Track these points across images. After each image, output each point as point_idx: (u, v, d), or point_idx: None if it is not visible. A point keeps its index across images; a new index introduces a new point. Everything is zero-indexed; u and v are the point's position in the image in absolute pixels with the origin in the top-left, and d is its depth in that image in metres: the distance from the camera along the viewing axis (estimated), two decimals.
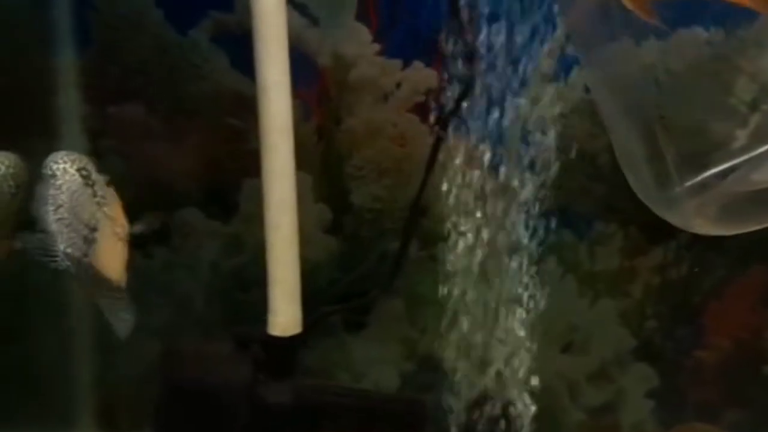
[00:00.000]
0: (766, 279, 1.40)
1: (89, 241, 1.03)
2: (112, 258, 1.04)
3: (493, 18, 1.24)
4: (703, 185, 0.91)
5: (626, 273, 1.42)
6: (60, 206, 1.01)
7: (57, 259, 1.02)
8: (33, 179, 1.03)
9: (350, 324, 1.46)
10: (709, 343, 1.43)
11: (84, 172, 1.01)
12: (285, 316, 1.22)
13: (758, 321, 1.41)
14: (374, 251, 1.44)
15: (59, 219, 1.01)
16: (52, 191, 1.00)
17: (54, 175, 1.00)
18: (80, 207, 1.02)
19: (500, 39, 1.25)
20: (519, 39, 1.24)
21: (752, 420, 1.43)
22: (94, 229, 1.03)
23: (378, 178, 1.42)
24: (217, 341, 1.31)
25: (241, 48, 1.21)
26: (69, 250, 1.01)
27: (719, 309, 1.42)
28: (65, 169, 1.01)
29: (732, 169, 0.90)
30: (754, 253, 1.39)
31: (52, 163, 1.01)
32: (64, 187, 1.01)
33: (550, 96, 1.30)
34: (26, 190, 1.05)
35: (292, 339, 1.24)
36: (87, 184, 1.02)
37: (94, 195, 1.03)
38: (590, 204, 1.41)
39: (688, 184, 0.90)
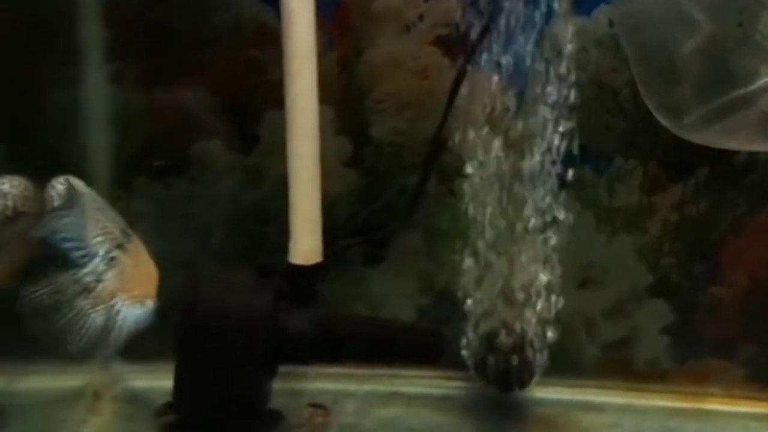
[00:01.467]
0: None
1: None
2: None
3: None
4: (731, 106, 0.89)
5: (645, 209, 1.40)
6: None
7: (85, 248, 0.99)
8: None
9: (368, 257, 1.45)
10: (726, 280, 1.41)
11: None
12: (306, 244, 1.21)
13: None
14: (394, 185, 1.42)
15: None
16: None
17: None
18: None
19: None
20: None
21: (766, 356, 1.43)
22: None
23: (399, 112, 1.40)
24: (239, 271, 1.31)
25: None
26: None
27: (737, 246, 1.40)
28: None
29: (759, 93, 0.89)
30: None
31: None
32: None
33: (574, 30, 1.28)
34: (31, 221, 1.02)
35: (312, 268, 1.24)
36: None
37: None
38: (611, 140, 1.38)
39: (714, 105, 0.88)
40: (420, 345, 1.29)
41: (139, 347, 1.41)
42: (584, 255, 1.42)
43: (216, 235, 1.44)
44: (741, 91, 0.89)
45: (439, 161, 1.37)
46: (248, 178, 1.43)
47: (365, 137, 1.42)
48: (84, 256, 1.00)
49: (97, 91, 1.38)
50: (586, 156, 1.37)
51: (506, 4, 1.25)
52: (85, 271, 1.00)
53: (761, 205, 1.38)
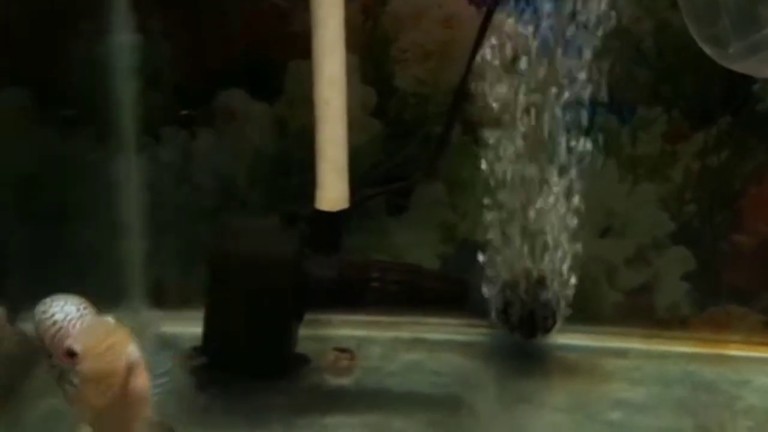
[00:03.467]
0: None
1: None
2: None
3: None
4: None
5: (667, 158, 1.38)
6: None
7: None
8: None
9: (391, 207, 1.44)
10: (747, 228, 1.39)
11: None
12: (333, 191, 1.20)
13: None
14: (417, 135, 1.40)
15: None
16: None
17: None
18: None
19: None
20: None
21: None
22: None
23: (423, 61, 1.38)
24: (266, 218, 1.29)
25: None
26: None
27: (759, 194, 1.38)
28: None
29: None
30: None
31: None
32: None
33: None
34: None
35: (339, 214, 1.22)
36: None
37: None
38: (634, 89, 1.36)
39: (758, 36, 0.86)
40: (444, 292, 1.28)
41: (167, 294, 1.42)
42: (607, 203, 1.40)
43: (241, 185, 1.43)
44: None
45: (462, 111, 1.35)
46: (273, 128, 1.41)
47: (390, 87, 1.39)
48: None
49: (123, 40, 1.36)
50: (610, 105, 1.35)
51: None
52: None
53: None
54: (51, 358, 0.87)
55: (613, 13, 1.29)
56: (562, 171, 1.34)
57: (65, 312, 0.86)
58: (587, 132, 1.34)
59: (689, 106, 1.37)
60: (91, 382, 0.83)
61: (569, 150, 1.34)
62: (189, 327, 1.28)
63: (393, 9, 1.36)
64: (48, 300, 0.88)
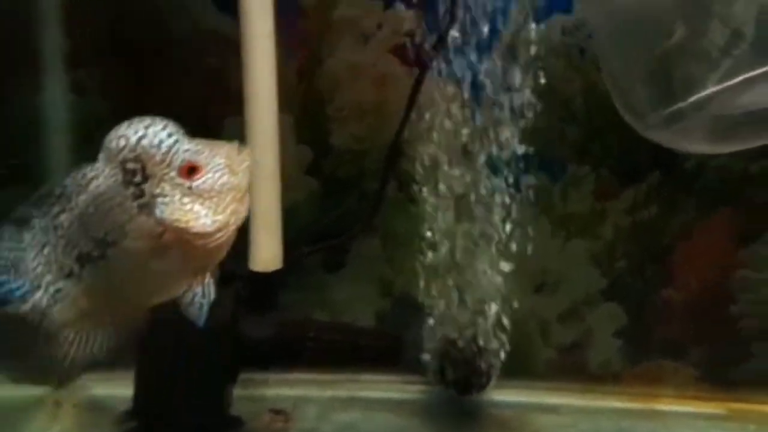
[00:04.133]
0: (733, 219, 1.38)
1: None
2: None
3: None
4: (692, 108, 0.88)
5: (598, 214, 1.40)
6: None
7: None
8: None
9: (329, 263, 1.43)
10: (677, 283, 1.41)
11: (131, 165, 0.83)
12: (266, 251, 1.19)
13: (725, 261, 1.39)
14: (354, 192, 1.40)
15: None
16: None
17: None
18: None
19: None
20: None
21: (718, 358, 1.42)
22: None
23: (358, 120, 1.38)
24: None
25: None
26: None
27: (688, 249, 1.40)
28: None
29: (718, 94, 0.88)
30: (723, 194, 1.37)
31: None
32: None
33: (529, 38, 1.27)
34: None
35: (273, 274, 1.21)
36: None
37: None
38: (565, 147, 1.37)
39: (677, 107, 0.87)
40: (379, 349, 1.27)
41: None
42: (540, 260, 1.41)
43: None
44: (696, 96, 0.89)
45: (397, 168, 1.35)
46: None
47: (325, 145, 1.39)
48: (22, 292, 0.87)
49: (57, 98, 1.35)
50: (541, 163, 1.36)
51: (462, 14, 1.24)
52: (25, 308, 0.86)
53: (709, 210, 1.38)
54: (140, 185, 0.82)
55: (542, 74, 1.31)
56: (496, 228, 1.35)
57: (168, 132, 0.82)
58: (519, 190, 1.35)
59: (618, 164, 1.39)
60: (206, 199, 0.80)
61: (502, 207, 1.35)
62: (121, 389, 1.24)
63: (328, 70, 1.37)
64: (137, 125, 0.83)
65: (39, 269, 0.86)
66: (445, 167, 1.33)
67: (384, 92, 1.37)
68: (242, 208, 0.83)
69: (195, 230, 0.81)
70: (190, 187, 0.81)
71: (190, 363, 1.20)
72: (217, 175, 0.81)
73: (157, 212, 0.81)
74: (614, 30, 0.92)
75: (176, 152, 0.81)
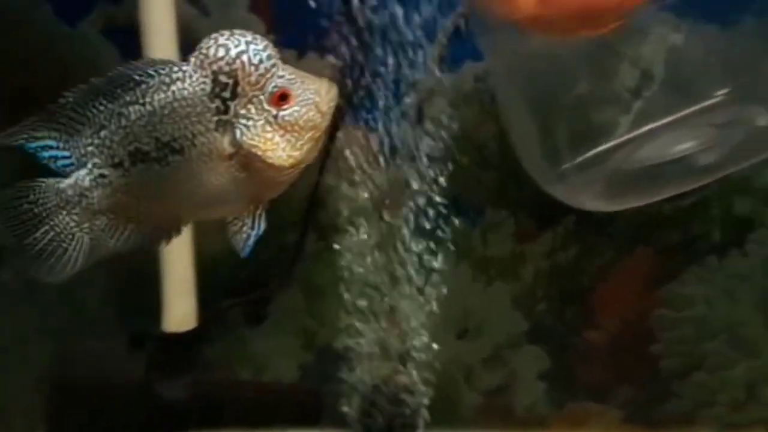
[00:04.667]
0: (650, 261, 1.39)
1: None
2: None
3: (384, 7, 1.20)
4: (589, 162, 0.88)
5: (518, 258, 1.39)
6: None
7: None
8: None
9: (250, 317, 1.40)
10: (598, 324, 1.41)
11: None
12: (179, 311, 1.15)
13: (644, 301, 1.39)
14: (273, 243, 1.37)
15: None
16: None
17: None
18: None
19: (394, 30, 1.21)
20: (413, 29, 1.20)
21: (641, 398, 1.42)
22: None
23: None
24: (112, 339, 1.23)
25: (130, 40, 1.14)
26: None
27: (607, 291, 1.40)
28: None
29: (616, 149, 0.88)
30: (638, 235, 1.38)
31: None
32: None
33: (442, 85, 1.26)
34: None
35: (187, 334, 1.17)
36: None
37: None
38: (482, 192, 1.37)
39: (576, 161, 0.87)
40: (299, 406, 1.24)
41: (11, 422, 1.33)
42: (462, 305, 1.40)
43: (91, 303, 1.36)
44: (596, 149, 0.88)
45: (316, 218, 1.33)
46: None
47: None
48: (66, 164, 0.81)
49: None
50: (460, 208, 1.35)
51: (376, 62, 1.23)
52: (67, 182, 0.81)
53: (625, 251, 1.38)
54: (226, 100, 0.77)
55: (456, 120, 1.30)
56: (417, 275, 1.33)
57: (268, 54, 0.77)
58: (439, 235, 1.34)
59: (535, 208, 1.39)
60: (288, 132, 0.77)
61: (422, 253, 1.33)
62: None
63: None
64: (239, 38, 0.77)
65: (89, 149, 0.81)
66: (363, 216, 1.32)
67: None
68: (316, 148, 0.80)
69: (270, 161, 0.78)
70: (275, 116, 0.78)
71: (105, 428, 1.16)
72: (304, 109, 0.78)
73: (237, 133, 0.78)
74: (514, 85, 0.91)
75: (271, 76, 0.77)
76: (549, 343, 1.42)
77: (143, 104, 0.79)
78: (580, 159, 0.87)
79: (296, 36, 1.29)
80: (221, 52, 0.77)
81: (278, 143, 0.78)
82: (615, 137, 0.91)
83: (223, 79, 0.77)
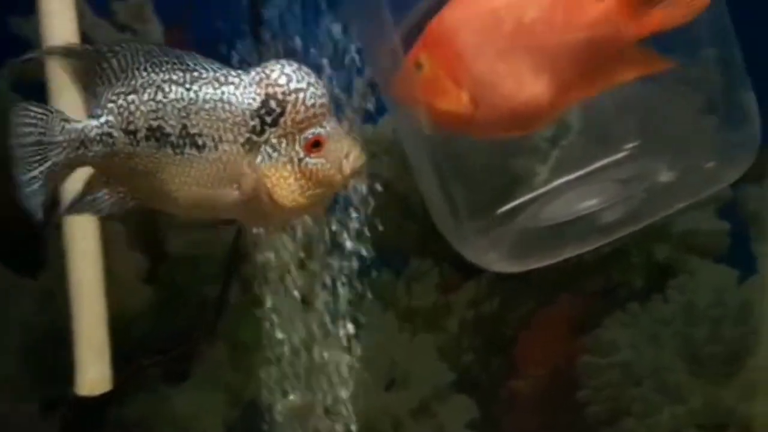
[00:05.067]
0: (572, 308, 1.39)
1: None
2: None
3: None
4: (494, 222, 0.87)
5: (442, 308, 1.38)
6: None
7: None
8: None
9: (172, 375, 1.36)
10: (524, 372, 1.40)
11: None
12: (92, 374, 1.10)
13: (568, 348, 1.39)
14: (194, 298, 1.34)
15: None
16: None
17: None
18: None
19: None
20: (331, 79, 1.19)
21: None
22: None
23: (194, 225, 1.33)
24: (25, 404, 1.19)
25: (42, 94, 1.11)
26: None
27: (531, 339, 1.39)
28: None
29: (523, 207, 0.87)
30: (561, 283, 1.37)
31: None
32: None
33: (363, 136, 1.25)
34: None
35: (102, 396, 1.13)
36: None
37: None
38: (406, 242, 1.36)
39: (479, 221, 0.86)
40: None
41: None
42: (389, 356, 1.38)
43: (4, 367, 1.31)
44: (504, 208, 0.88)
45: (239, 272, 1.30)
46: (38, 302, 1.31)
47: (162, 252, 1.33)
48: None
49: None
50: (384, 258, 1.34)
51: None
52: (74, 125, 0.80)
53: (548, 299, 1.38)
54: (266, 125, 0.77)
55: (381, 171, 1.30)
56: (342, 327, 1.31)
57: (322, 99, 0.78)
58: (364, 287, 1.32)
59: (458, 257, 1.37)
60: (305, 178, 0.78)
61: (347, 305, 1.31)
62: None
63: None
64: (302, 73, 0.78)
65: (110, 105, 0.80)
66: (287, 268, 1.30)
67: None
68: (321, 204, 0.82)
69: (275, 197, 0.79)
70: (301, 159, 0.78)
71: None
72: (329, 165, 0.78)
73: (259, 158, 0.78)
74: (419, 146, 0.90)
75: (316, 122, 0.78)
76: (476, 393, 1.40)
77: (188, 89, 0.79)
78: (484, 219, 0.87)
79: None
80: (282, 80, 0.78)
81: (290, 184, 0.78)
82: (529, 192, 0.91)
83: (272, 104, 0.77)
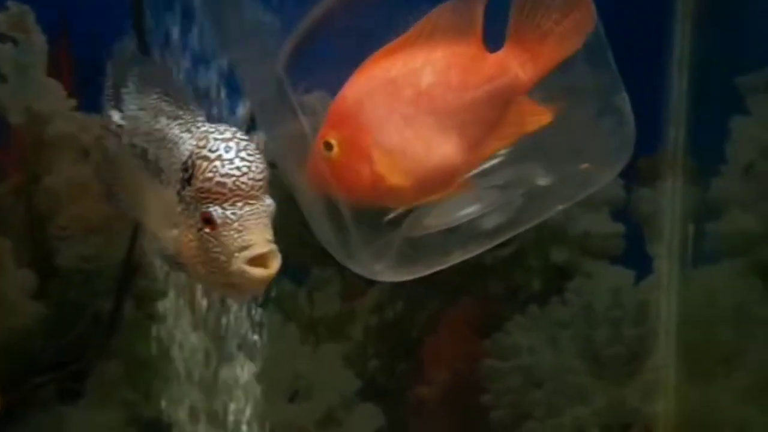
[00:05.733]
0: (475, 310, 1.39)
1: None
2: None
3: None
4: (379, 233, 0.86)
5: (346, 315, 1.37)
6: None
7: None
8: None
9: (66, 393, 1.30)
10: (429, 377, 1.39)
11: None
12: None
13: (472, 351, 1.39)
14: (87, 314, 1.28)
15: None
16: None
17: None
18: None
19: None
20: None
21: None
22: None
23: (85, 238, 1.27)
24: None
25: None
26: None
27: (434, 343, 1.39)
28: None
29: (403, 216, 0.87)
30: (462, 285, 1.37)
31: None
32: None
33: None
34: None
35: None
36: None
37: None
38: (306, 251, 1.33)
39: (365, 232, 0.85)
40: None
41: None
42: (292, 367, 1.35)
43: None
44: (388, 217, 0.87)
45: (133, 285, 1.26)
46: None
47: (51, 267, 1.27)
48: None
49: None
50: (285, 268, 1.31)
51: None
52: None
53: (450, 301, 1.38)
54: (186, 185, 0.74)
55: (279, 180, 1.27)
56: (242, 339, 1.28)
57: (243, 181, 0.74)
58: (265, 298, 1.29)
59: None
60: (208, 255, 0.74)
61: (247, 318, 1.28)
62: None
63: (48, 187, 1.25)
64: (227, 144, 0.74)
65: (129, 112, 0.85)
66: (182, 281, 1.26)
67: (111, 208, 1.28)
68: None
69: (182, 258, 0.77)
70: (200, 230, 0.74)
71: None
72: (219, 250, 0.73)
73: (181, 207, 0.76)
74: (293, 166, 0.89)
75: (222, 200, 0.73)
76: (382, 400, 1.38)
77: (168, 124, 0.79)
78: (367, 231, 0.86)
79: (99, 100, 1.23)
80: (203, 142, 0.74)
81: (192, 249, 0.75)
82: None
83: (189, 163, 0.74)
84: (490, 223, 0.88)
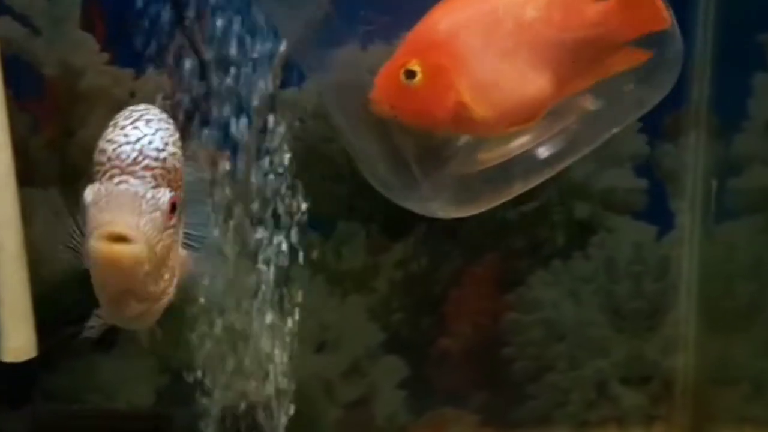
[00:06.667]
0: (498, 265, 1.39)
1: None
2: None
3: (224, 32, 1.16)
4: (436, 170, 0.87)
5: (371, 269, 1.37)
6: None
7: None
8: None
9: (99, 342, 1.32)
10: (452, 331, 1.40)
11: None
12: (17, 341, 1.07)
13: (495, 305, 1.39)
14: None
15: None
16: None
17: None
18: None
19: (232, 48, 1.17)
20: (249, 48, 1.16)
21: (497, 401, 1.41)
22: None
23: None
24: None
25: None
26: None
27: (459, 297, 1.39)
28: None
29: (457, 152, 0.87)
30: (486, 241, 1.38)
31: None
32: None
33: (286, 101, 1.23)
34: None
35: (27, 364, 1.10)
36: None
37: None
38: (333, 205, 1.34)
39: (423, 171, 0.86)
40: (152, 431, 1.18)
41: None
42: (318, 319, 1.36)
43: None
44: (439, 156, 0.88)
45: None
46: None
47: None
48: None
49: None
50: (311, 221, 1.32)
51: (214, 80, 1.19)
52: None
53: (474, 257, 1.38)
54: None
55: (306, 135, 1.28)
56: (271, 290, 1.30)
57: (110, 150, 0.74)
58: (291, 249, 1.31)
59: (386, 218, 1.37)
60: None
61: (275, 268, 1.30)
62: None
63: (81, 140, 1.26)
64: (124, 120, 0.76)
65: None
66: (215, 232, 1.27)
67: None
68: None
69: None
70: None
71: None
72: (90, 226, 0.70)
73: None
74: (347, 106, 0.89)
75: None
76: (406, 353, 1.40)
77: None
78: (426, 168, 0.86)
79: (133, 54, 1.24)
80: (122, 113, 0.75)
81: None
82: (457, 140, 0.91)
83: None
84: (546, 152, 0.88)
